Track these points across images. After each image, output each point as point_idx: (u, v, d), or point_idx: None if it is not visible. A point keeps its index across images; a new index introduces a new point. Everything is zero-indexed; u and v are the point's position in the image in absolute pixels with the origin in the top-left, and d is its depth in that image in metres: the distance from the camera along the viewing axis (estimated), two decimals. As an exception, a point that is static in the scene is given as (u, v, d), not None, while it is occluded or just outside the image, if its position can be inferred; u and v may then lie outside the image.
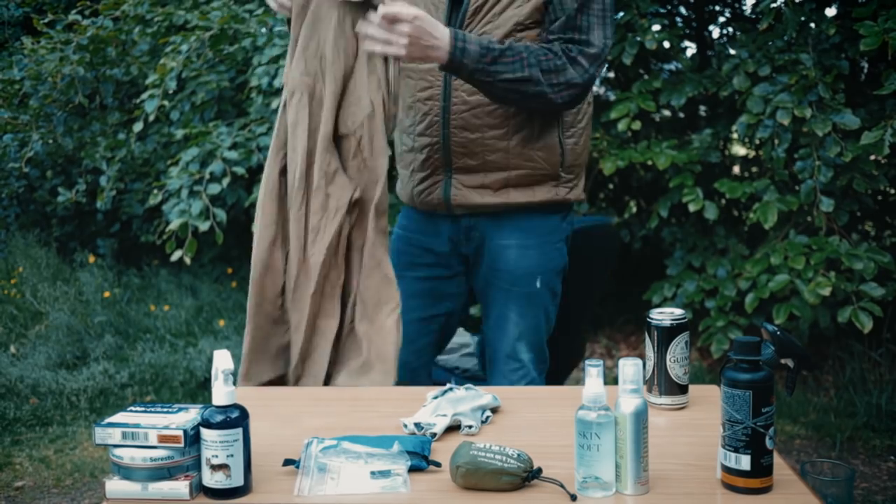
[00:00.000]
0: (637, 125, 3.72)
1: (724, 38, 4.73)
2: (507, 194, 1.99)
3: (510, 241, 2.03)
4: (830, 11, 3.82)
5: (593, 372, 1.25)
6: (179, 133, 4.25)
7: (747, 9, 4.74)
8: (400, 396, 1.80)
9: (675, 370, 1.59)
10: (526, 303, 2.05)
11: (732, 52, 3.80)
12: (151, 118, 4.05)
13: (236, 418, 1.26)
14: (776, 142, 3.37)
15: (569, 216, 2.12)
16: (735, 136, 4.26)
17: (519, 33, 1.90)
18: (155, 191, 4.04)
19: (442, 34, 1.76)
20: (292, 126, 1.82)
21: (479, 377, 2.46)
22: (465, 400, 1.57)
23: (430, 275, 2.12)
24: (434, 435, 1.47)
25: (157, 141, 4.81)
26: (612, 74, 4.53)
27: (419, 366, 2.13)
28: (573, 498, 1.24)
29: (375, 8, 1.75)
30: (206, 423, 1.26)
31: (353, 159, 1.81)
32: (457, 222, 2.06)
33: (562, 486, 1.26)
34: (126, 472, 1.28)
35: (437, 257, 2.11)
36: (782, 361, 1.37)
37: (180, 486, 1.27)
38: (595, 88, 2.11)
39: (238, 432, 1.26)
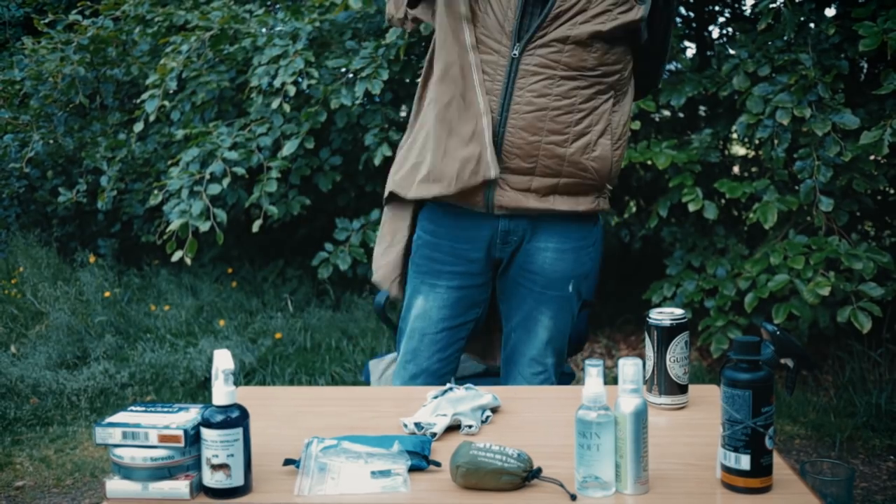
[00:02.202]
0: (637, 125, 3.73)
1: (724, 38, 4.73)
2: (553, 201, 1.96)
3: (548, 245, 2.01)
4: (830, 11, 3.83)
5: (593, 372, 1.25)
6: (180, 133, 4.25)
7: (747, 9, 4.74)
8: (400, 396, 1.80)
9: (675, 370, 1.59)
10: (557, 307, 2.04)
11: (732, 52, 3.80)
12: (152, 118, 4.05)
13: (236, 418, 1.26)
14: (776, 142, 3.38)
15: (601, 221, 2.13)
16: (735, 136, 4.27)
17: (596, 42, 1.88)
18: (155, 191, 4.04)
19: None
20: None
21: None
22: (465, 400, 1.57)
23: (464, 283, 2.05)
24: (434, 435, 1.48)
25: (157, 141, 4.81)
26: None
27: (447, 372, 2.08)
28: (573, 498, 1.24)
29: None
30: (207, 423, 1.26)
31: None
32: (495, 226, 2.01)
33: (562, 485, 1.26)
34: (126, 472, 1.28)
35: (469, 264, 2.05)
36: (782, 361, 1.37)
37: (180, 486, 1.27)
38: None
39: (238, 432, 1.26)
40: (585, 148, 1.92)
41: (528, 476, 1.27)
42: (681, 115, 4.55)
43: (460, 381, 2.00)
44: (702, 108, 4.55)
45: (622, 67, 1.95)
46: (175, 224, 3.77)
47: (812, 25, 3.50)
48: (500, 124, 1.91)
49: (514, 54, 1.88)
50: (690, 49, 4.70)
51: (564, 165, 1.93)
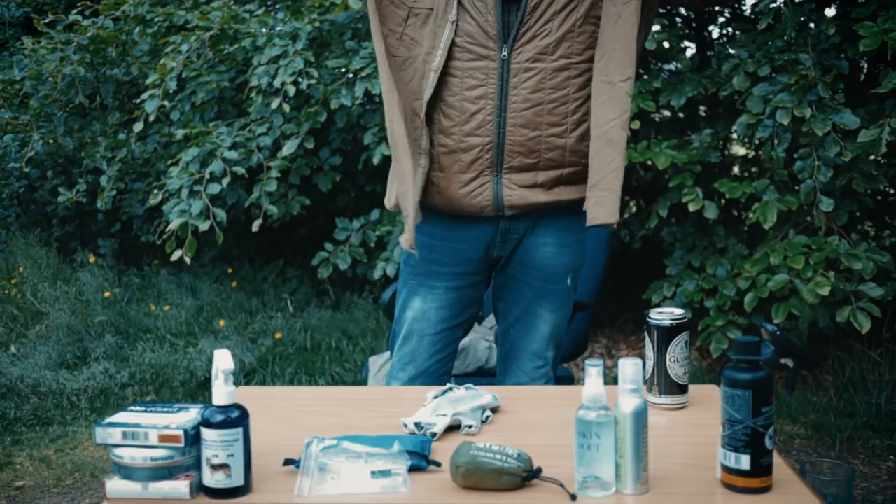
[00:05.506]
0: (637, 125, 3.72)
1: (724, 38, 4.73)
2: (559, 192, 1.97)
3: (547, 240, 2.02)
4: (830, 11, 3.83)
5: (593, 372, 1.25)
6: (179, 133, 4.25)
7: (747, 9, 4.74)
8: (400, 396, 1.80)
9: (675, 370, 1.59)
10: (558, 300, 2.05)
11: (732, 52, 3.80)
12: (152, 118, 4.05)
13: (236, 418, 1.26)
14: (776, 142, 3.38)
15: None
16: (735, 136, 4.26)
17: (578, 26, 1.88)
18: (155, 191, 4.04)
19: None
20: None
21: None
22: (465, 400, 1.57)
23: (461, 284, 2.05)
24: (434, 435, 1.48)
25: (157, 141, 4.81)
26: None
27: (444, 372, 2.08)
28: (573, 498, 1.24)
29: None
30: (207, 423, 1.26)
31: None
32: (496, 225, 2.01)
33: (562, 485, 1.26)
34: (126, 472, 1.28)
35: (467, 264, 2.04)
36: (782, 361, 1.37)
37: (181, 486, 1.27)
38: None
39: (238, 432, 1.26)
40: (584, 135, 1.93)
41: (528, 476, 1.27)
42: (681, 115, 4.54)
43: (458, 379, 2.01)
44: (702, 108, 4.55)
45: None
46: (175, 224, 3.77)
47: (812, 25, 3.50)
48: (500, 125, 1.90)
49: (504, 55, 1.88)
50: (690, 49, 4.70)
51: (567, 155, 1.94)
